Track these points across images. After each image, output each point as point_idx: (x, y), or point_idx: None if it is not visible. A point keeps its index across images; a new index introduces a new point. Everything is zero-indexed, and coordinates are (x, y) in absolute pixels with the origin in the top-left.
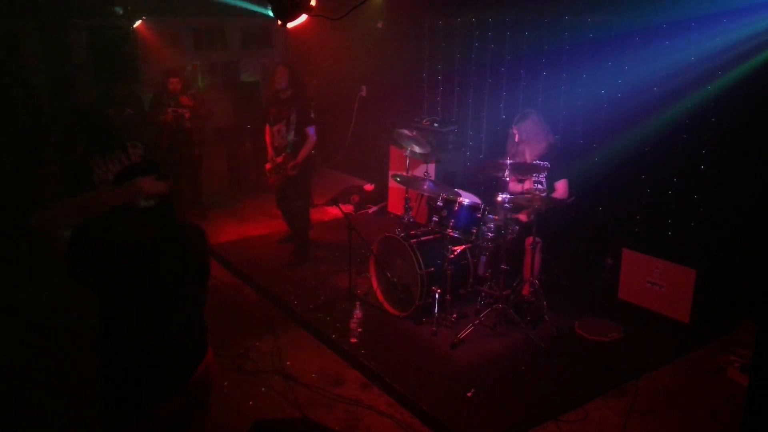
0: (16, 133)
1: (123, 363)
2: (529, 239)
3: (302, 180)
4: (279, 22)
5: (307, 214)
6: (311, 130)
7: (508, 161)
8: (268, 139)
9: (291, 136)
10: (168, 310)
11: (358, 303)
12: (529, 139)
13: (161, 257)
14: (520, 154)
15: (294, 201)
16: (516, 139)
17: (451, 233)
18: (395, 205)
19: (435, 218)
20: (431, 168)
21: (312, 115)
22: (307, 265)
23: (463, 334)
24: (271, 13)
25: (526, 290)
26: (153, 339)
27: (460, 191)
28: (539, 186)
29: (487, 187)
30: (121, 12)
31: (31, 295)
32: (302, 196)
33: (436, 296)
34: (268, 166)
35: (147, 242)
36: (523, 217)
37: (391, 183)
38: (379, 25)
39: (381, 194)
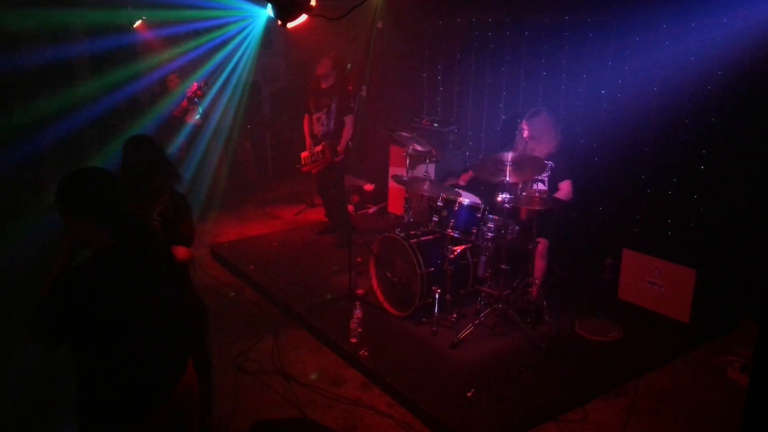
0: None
1: (104, 384)
2: (535, 240)
3: (340, 169)
4: (279, 22)
5: (343, 199)
6: (349, 120)
7: (509, 159)
8: (306, 128)
9: (331, 125)
10: (151, 330)
11: (358, 303)
12: (540, 136)
13: (148, 283)
14: (528, 151)
15: (330, 188)
16: (525, 135)
17: (451, 233)
18: (395, 205)
19: (435, 218)
20: (431, 168)
21: (352, 105)
22: (308, 264)
23: (463, 334)
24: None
25: (534, 293)
26: (135, 359)
27: (460, 191)
28: (540, 186)
29: (487, 187)
30: (121, 12)
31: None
32: (337, 185)
33: (436, 296)
34: (305, 154)
35: (136, 273)
36: (522, 214)
37: (391, 183)
38: (379, 25)
39: (381, 194)
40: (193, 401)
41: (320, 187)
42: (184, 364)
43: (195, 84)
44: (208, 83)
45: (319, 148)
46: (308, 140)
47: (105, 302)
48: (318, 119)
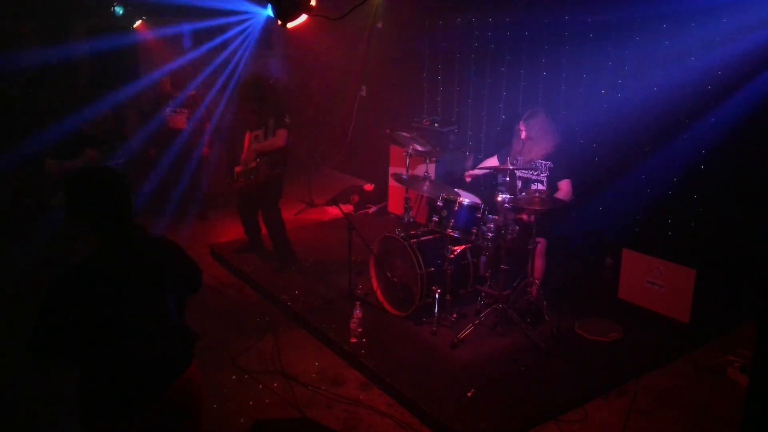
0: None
1: (103, 380)
2: (534, 240)
3: (274, 191)
4: (279, 22)
5: (281, 224)
6: (282, 133)
7: (509, 166)
8: (246, 144)
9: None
10: (147, 327)
11: (358, 303)
12: (537, 137)
13: (139, 281)
14: (526, 152)
15: (266, 213)
16: (522, 136)
17: (451, 233)
18: (395, 205)
19: (435, 218)
20: (431, 168)
21: (287, 120)
22: (307, 265)
23: (463, 334)
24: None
25: (534, 293)
26: (132, 356)
27: (460, 191)
28: (539, 186)
29: (487, 187)
30: (121, 12)
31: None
32: (273, 208)
33: (436, 296)
34: (238, 168)
35: (125, 272)
36: (524, 216)
37: (391, 183)
38: (379, 25)
39: (381, 194)
40: (195, 400)
41: (242, 204)
42: (184, 361)
43: (193, 92)
44: (200, 91)
45: (254, 164)
46: (245, 154)
47: (87, 308)
48: (256, 137)
